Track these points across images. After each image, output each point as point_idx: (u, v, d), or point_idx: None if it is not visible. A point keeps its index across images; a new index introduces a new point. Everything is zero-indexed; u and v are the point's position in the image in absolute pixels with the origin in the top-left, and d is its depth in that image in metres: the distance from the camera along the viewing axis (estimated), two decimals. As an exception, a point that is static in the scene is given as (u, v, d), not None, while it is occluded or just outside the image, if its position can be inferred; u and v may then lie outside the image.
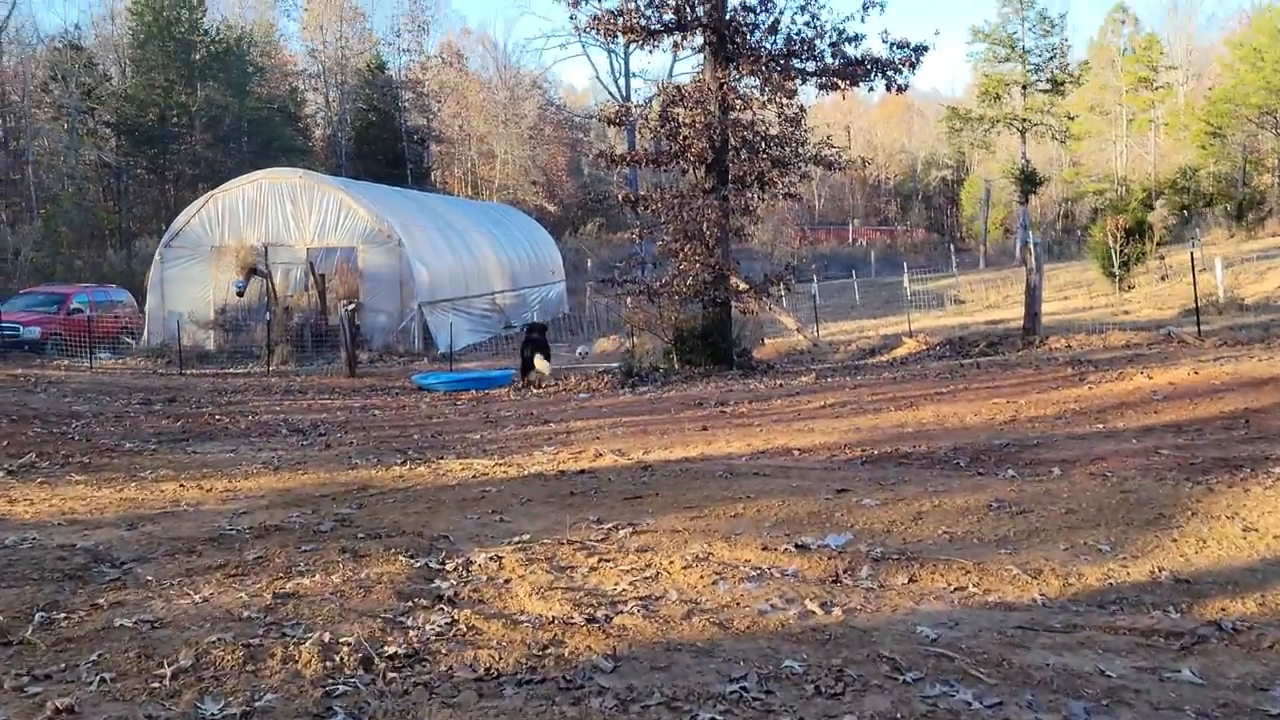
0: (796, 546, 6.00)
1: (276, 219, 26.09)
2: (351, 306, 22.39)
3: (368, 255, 25.94)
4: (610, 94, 48.54)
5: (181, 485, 8.17)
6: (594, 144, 71.81)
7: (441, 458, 9.28)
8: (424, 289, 26.06)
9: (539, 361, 16.25)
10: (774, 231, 41.06)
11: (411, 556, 6.00)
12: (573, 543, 6.23)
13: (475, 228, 33.23)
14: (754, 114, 16.20)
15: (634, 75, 47.62)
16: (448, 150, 64.80)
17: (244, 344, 25.13)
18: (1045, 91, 51.12)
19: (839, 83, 16.27)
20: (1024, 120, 51.06)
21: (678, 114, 15.93)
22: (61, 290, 28.19)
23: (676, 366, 16.05)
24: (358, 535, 6.53)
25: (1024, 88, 51.16)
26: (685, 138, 15.82)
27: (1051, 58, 51.20)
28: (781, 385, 13.85)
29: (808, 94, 17.44)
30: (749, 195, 16.09)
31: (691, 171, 16.25)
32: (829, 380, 14.02)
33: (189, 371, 21.89)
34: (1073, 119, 52.33)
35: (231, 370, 22.36)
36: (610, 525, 6.57)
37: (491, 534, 6.54)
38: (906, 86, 16.54)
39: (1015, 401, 10.78)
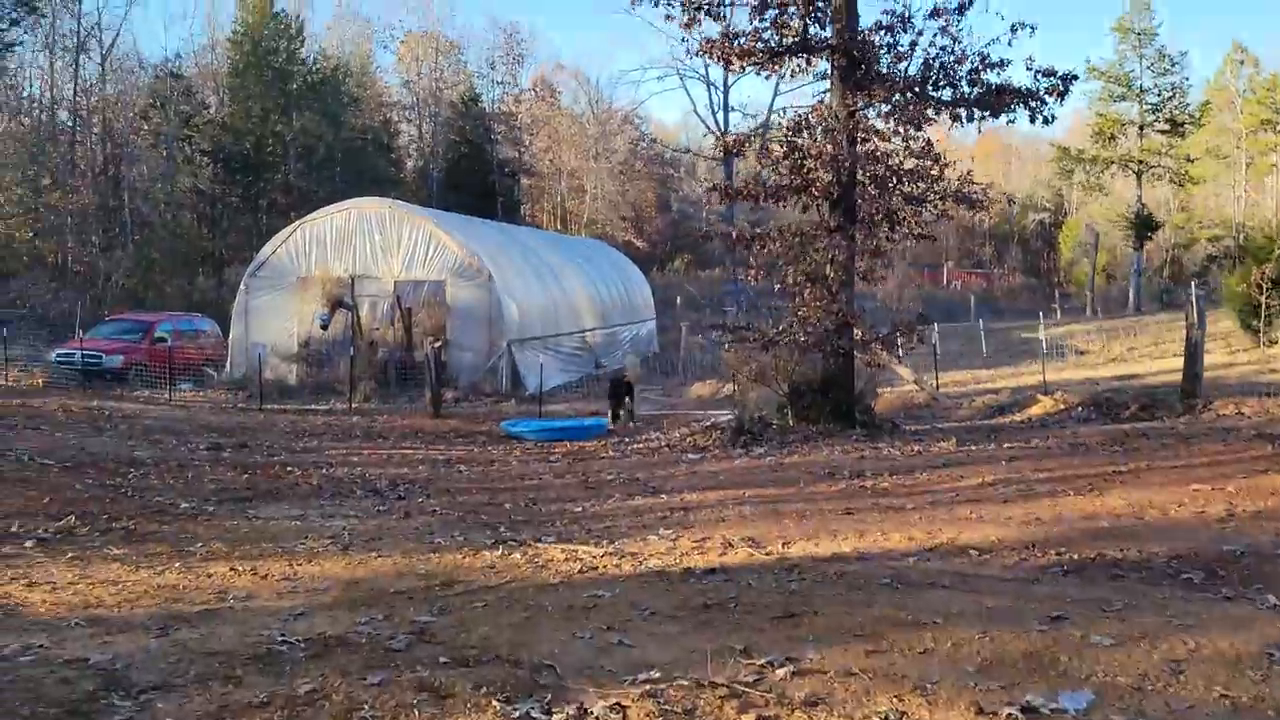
0: (1024, 711, 4.43)
1: (364, 250, 25.15)
2: (438, 344, 21.32)
3: (456, 290, 24.85)
4: (708, 127, 47.39)
5: (233, 568, 6.84)
6: (684, 179, 70.97)
7: (539, 539, 7.83)
8: (513, 326, 24.87)
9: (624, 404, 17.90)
10: (900, 276, 38.91)
11: (508, 700, 4.57)
12: (717, 686, 4.73)
13: (566, 263, 32.08)
14: (880, 146, 14.62)
15: (732, 109, 46.28)
16: (537, 184, 64.36)
17: (327, 379, 24.14)
18: (1163, 132, 48.62)
19: (978, 113, 14.67)
20: (1140, 162, 48.57)
21: (802, 143, 14.43)
22: (146, 318, 27.59)
23: (791, 423, 14.47)
24: (439, 659, 5.10)
25: (1140, 128, 48.71)
26: (809, 170, 14.33)
27: (1170, 97, 48.72)
28: (920, 452, 12.17)
29: (938, 127, 15.62)
30: (881, 235, 14.50)
31: (815, 208, 14.72)
32: (974, 449, 12.30)
33: (269, 407, 20.93)
34: (1192, 161, 49.66)
35: (313, 407, 21.35)
36: (763, 660, 5.05)
37: (609, 665, 5.07)
38: (1053, 119, 14.87)
39: (1221, 488, 9.01)
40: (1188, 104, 49.59)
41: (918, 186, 14.55)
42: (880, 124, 14.74)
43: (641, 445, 14.26)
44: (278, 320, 25.28)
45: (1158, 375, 21.68)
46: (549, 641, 5.39)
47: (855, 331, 14.45)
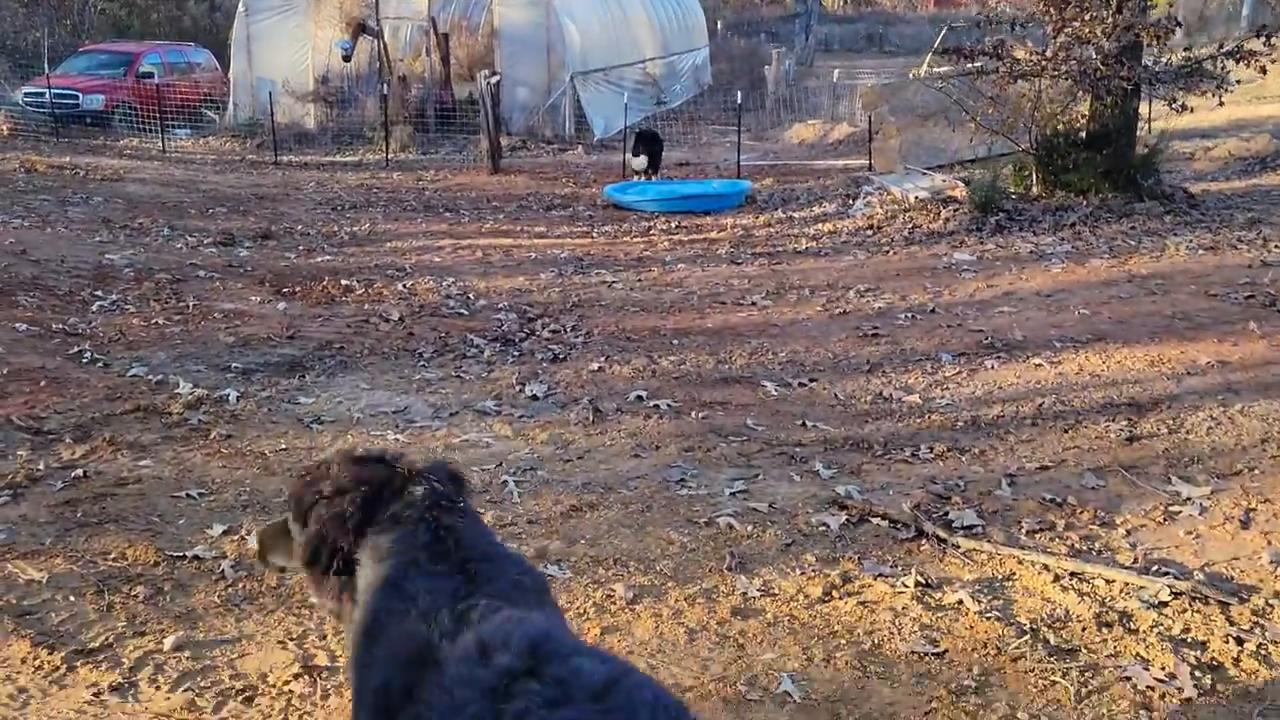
0: None
1: (390, -42, 20.02)
2: (496, 79, 16.69)
3: (505, 10, 19.90)
4: None
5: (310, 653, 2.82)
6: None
7: (947, 518, 3.69)
8: (575, 56, 20.06)
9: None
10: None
11: None
12: None
13: (621, -22, 26.61)
14: None
15: None
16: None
17: (352, 122, 19.61)
18: None
19: None
20: None
21: None
22: (129, 49, 22.71)
23: (1037, 190, 10.16)
24: None
25: None
26: None
27: None
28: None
29: None
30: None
31: None
32: None
33: (285, 159, 16.68)
34: None
35: (339, 159, 17.11)
36: None
37: None
38: None
39: None
40: None
41: None
42: None
43: (827, 225, 9.95)
44: (288, 50, 20.41)
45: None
46: None
47: (1145, 56, 9.85)
